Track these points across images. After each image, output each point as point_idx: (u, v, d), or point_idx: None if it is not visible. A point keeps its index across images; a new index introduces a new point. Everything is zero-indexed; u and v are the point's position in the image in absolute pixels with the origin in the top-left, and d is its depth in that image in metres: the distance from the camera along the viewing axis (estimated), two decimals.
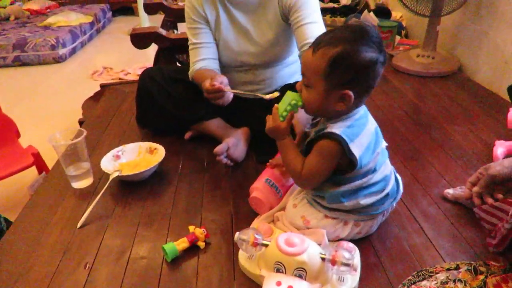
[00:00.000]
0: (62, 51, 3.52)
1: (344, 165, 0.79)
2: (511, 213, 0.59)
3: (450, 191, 1.00)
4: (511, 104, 1.30)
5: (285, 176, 0.99)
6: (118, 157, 1.17)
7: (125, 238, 0.92)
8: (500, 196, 0.90)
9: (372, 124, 0.83)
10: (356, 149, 0.76)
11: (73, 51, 3.72)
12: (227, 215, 0.98)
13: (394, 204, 0.90)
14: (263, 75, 1.29)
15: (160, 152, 1.17)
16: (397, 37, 2.14)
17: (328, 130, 0.76)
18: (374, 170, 0.82)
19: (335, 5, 2.81)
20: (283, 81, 1.32)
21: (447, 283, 0.61)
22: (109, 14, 4.87)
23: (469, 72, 1.80)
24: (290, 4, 1.14)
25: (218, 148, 1.13)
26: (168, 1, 2.59)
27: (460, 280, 0.60)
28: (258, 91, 1.26)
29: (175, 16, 2.47)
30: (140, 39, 1.73)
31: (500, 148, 1.12)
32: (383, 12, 2.40)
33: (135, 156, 1.19)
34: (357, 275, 0.76)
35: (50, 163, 1.40)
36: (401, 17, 2.34)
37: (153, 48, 4.08)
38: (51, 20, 3.97)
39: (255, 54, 1.23)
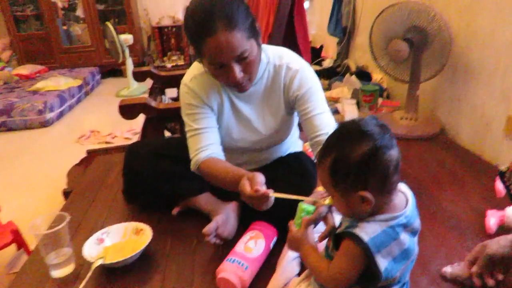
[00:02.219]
0: (49, 115, 3.53)
1: (367, 273, 0.71)
2: None
3: (448, 269, 0.97)
4: (496, 169, 1.32)
5: (248, 250, 0.99)
6: (102, 240, 1.12)
7: None
8: (500, 276, 0.87)
9: (410, 231, 0.74)
10: (383, 260, 0.69)
11: (60, 115, 3.74)
12: None
13: None
14: (259, 157, 1.30)
15: (146, 233, 1.12)
16: (380, 99, 2.21)
17: (357, 231, 0.70)
18: (399, 281, 0.75)
19: (318, 67, 2.93)
20: (277, 157, 1.33)
21: None
22: (98, 76, 4.98)
23: (451, 134, 1.85)
24: (298, 96, 1.13)
25: (207, 229, 1.09)
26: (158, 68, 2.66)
27: None
28: (250, 169, 1.25)
29: (163, 83, 2.53)
30: (128, 110, 1.74)
31: (492, 218, 1.11)
32: (364, 75, 2.51)
33: (120, 238, 1.14)
34: None
35: (29, 238, 1.33)
36: (381, 79, 2.44)
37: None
38: (39, 85, 4.02)
39: (255, 141, 1.22)
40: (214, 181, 1.13)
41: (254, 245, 1.02)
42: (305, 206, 0.83)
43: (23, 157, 2.95)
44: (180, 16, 5.46)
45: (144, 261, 1.08)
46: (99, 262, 1.00)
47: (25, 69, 4.62)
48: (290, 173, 1.23)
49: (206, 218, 1.21)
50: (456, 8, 1.72)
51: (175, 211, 1.30)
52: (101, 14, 4.99)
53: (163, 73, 2.52)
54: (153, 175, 1.26)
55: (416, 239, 0.76)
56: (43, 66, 4.83)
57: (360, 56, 2.87)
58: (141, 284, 1.01)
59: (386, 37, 1.74)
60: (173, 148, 1.33)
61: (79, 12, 5.08)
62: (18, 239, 1.59)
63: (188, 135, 1.17)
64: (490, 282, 0.87)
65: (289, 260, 0.98)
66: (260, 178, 0.91)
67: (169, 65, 5.30)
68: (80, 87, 4.30)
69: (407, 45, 1.66)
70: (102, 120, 3.73)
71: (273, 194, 0.89)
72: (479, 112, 1.66)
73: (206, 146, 1.13)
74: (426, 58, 1.73)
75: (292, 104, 1.18)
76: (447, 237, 1.13)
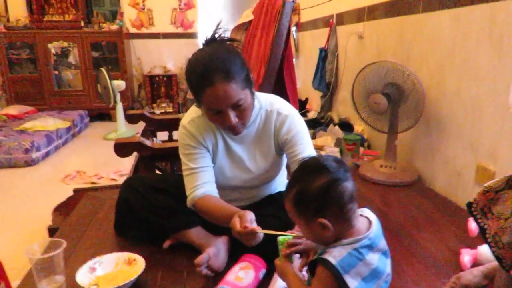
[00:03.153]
0: (35, 155, 3.53)
1: None
2: None
3: None
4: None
5: (238, 279, 1.04)
6: (94, 269, 1.13)
7: None
8: None
9: (377, 252, 0.81)
10: (352, 280, 0.76)
11: (46, 155, 3.73)
12: None
13: None
14: (249, 194, 1.37)
15: (139, 263, 1.15)
16: (361, 148, 2.35)
17: (326, 256, 0.78)
18: None
19: (304, 118, 3.10)
20: (266, 194, 1.40)
21: None
22: (87, 119, 5.05)
23: (427, 182, 1.98)
24: (287, 139, 1.24)
25: (199, 259, 1.13)
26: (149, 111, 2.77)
27: None
28: (242, 206, 1.32)
29: (155, 126, 2.63)
30: (123, 148, 1.81)
31: (466, 256, 1.19)
32: (346, 126, 2.68)
33: (112, 268, 1.16)
34: None
35: (11, 273, 1.31)
36: (362, 130, 2.61)
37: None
38: (27, 124, 4.05)
39: (247, 180, 1.30)
40: (208, 217, 1.21)
41: (244, 275, 1.06)
42: (281, 238, 0.93)
43: (6, 194, 2.91)
44: (171, 66, 5.71)
45: None
46: (96, 275, 1.02)
47: (14, 109, 4.66)
48: (278, 210, 1.30)
49: (196, 251, 1.25)
50: (427, 69, 1.93)
51: (166, 244, 1.33)
52: (94, 61, 5.19)
53: (155, 117, 2.62)
54: (147, 208, 1.30)
55: (388, 260, 0.83)
56: (32, 107, 4.88)
57: (342, 109, 3.07)
58: None
59: (367, 91, 1.91)
60: (168, 183, 1.39)
61: (71, 59, 5.27)
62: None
63: (185, 173, 1.26)
64: None
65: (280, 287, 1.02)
66: (250, 216, 1.01)
67: (158, 112, 5.44)
68: (68, 129, 4.34)
69: (385, 98, 1.83)
70: (88, 161, 3.75)
71: (260, 231, 0.98)
72: (451, 162, 1.80)
73: (202, 184, 1.22)
74: (403, 111, 1.90)
75: (281, 147, 1.28)
76: (426, 274, 1.19)
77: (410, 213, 1.63)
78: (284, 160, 1.38)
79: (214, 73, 1.06)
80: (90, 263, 1.14)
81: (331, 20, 3.10)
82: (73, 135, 4.52)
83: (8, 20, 5.13)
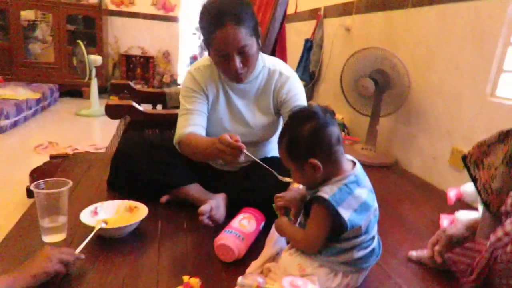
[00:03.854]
0: (3, 123, 3.36)
1: (336, 226, 0.86)
2: (489, 241, 0.72)
3: (413, 253, 1.13)
4: (448, 187, 1.56)
5: (242, 226, 1.09)
6: (96, 213, 1.14)
7: None
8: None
9: (364, 188, 0.90)
10: (345, 211, 0.84)
11: (15, 124, 3.57)
12: (216, 270, 0.98)
13: (375, 262, 0.98)
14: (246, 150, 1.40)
15: (141, 210, 1.17)
16: (342, 133, 2.46)
17: (318, 193, 0.86)
18: (366, 232, 0.90)
19: None
20: (263, 155, 1.44)
21: None
22: (57, 94, 4.86)
23: (404, 165, 2.11)
24: (285, 99, 1.30)
25: (203, 208, 1.16)
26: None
27: None
28: (237, 166, 1.38)
29: (139, 98, 2.60)
30: (115, 110, 1.79)
31: (445, 220, 1.31)
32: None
33: (113, 214, 1.17)
34: None
35: None
36: (342, 118, 2.73)
37: (99, 128, 4.09)
38: None
39: (245, 134, 1.34)
40: (191, 151, 1.25)
41: (247, 223, 1.11)
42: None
43: None
44: (148, 48, 5.61)
45: (137, 236, 1.12)
46: (102, 225, 1.03)
47: None
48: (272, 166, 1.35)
49: (194, 207, 1.28)
50: (412, 62, 2.06)
51: (164, 199, 1.34)
52: (69, 34, 4.99)
53: (140, 88, 2.59)
54: (146, 163, 1.31)
55: (374, 196, 0.93)
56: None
57: (323, 98, 3.18)
58: (138, 251, 1.04)
59: (355, 75, 2.01)
60: (166, 141, 1.40)
61: (38, 33, 5.04)
62: None
63: (180, 114, 1.32)
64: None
65: (279, 236, 1.08)
66: (238, 136, 1.06)
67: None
68: (38, 101, 4.17)
69: (373, 83, 1.94)
70: (60, 134, 3.61)
71: (247, 153, 1.04)
72: (428, 148, 1.94)
73: (192, 124, 1.28)
74: (387, 98, 2.02)
75: (279, 106, 1.34)
76: (408, 236, 1.30)
77: (390, 190, 1.74)
78: (281, 123, 1.43)
79: (226, 15, 1.12)
80: (91, 208, 1.15)
81: (319, 13, 3.21)
82: (43, 107, 4.34)
83: None
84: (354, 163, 0.94)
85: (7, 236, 1.06)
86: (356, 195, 0.87)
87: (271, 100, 1.34)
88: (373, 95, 2.01)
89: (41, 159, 2.58)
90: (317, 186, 0.90)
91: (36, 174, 2.13)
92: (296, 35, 3.69)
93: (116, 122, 2.13)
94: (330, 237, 0.89)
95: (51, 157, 2.43)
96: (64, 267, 0.87)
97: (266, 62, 1.33)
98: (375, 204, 0.93)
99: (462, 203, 1.49)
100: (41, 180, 1.04)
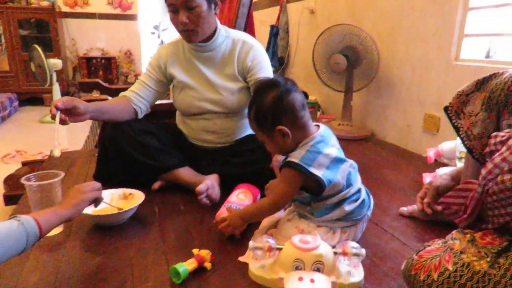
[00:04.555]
0: None
1: (314, 186, 0.91)
2: (480, 176, 0.77)
3: (404, 209, 1.20)
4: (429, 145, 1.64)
5: (240, 200, 1.13)
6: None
7: (122, 272, 0.86)
8: (439, 208, 1.11)
9: (332, 147, 0.95)
10: (317, 170, 0.89)
11: None
12: (221, 243, 1.00)
13: (369, 213, 1.02)
14: (221, 124, 1.42)
15: (137, 196, 1.15)
16: (318, 113, 2.52)
17: (288, 159, 0.92)
18: (349, 185, 0.95)
19: None
20: (240, 132, 1.46)
21: (447, 242, 0.74)
22: (16, 103, 4.62)
23: (380, 136, 2.20)
24: (250, 66, 1.35)
25: (200, 187, 1.17)
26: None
27: (455, 238, 0.74)
28: (217, 140, 1.43)
29: (109, 95, 2.53)
30: (85, 85, 1.77)
31: (427, 178, 1.38)
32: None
33: (108, 203, 1.14)
34: (362, 270, 0.85)
35: None
36: (315, 99, 2.79)
37: (67, 133, 3.96)
38: None
39: (215, 101, 1.37)
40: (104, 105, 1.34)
41: (244, 196, 1.13)
42: None
43: None
44: (109, 49, 5.45)
45: (136, 221, 1.11)
46: (105, 205, 1.03)
47: None
48: (253, 149, 1.35)
49: (186, 191, 1.29)
50: (378, 37, 2.14)
51: (156, 185, 1.34)
52: (22, 40, 4.76)
53: (111, 86, 2.53)
54: (136, 148, 1.30)
55: (342, 153, 0.98)
56: None
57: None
58: (141, 236, 1.03)
59: (327, 53, 2.07)
60: (152, 127, 1.39)
61: None
62: None
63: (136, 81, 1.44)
64: (438, 208, 1.10)
65: None
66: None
67: (95, 95, 5.15)
68: None
69: (345, 59, 2.00)
70: (25, 143, 3.45)
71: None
72: (401, 117, 2.03)
73: (134, 92, 1.39)
74: (358, 72, 2.09)
75: (245, 74, 1.38)
76: (396, 195, 1.37)
77: (371, 159, 1.82)
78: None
79: None
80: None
81: None
82: (3, 118, 4.12)
83: None
84: (319, 126, 0.99)
85: None
86: (325, 153, 0.92)
87: (235, 67, 1.38)
88: (345, 71, 2.07)
89: (11, 168, 2.47)
90: (290, 152, 0.94)
91: (10, 181, 2.04)
92: (261, 23, 3.72)
93: (86, 125, 2.07)
94: (315, 198, 0.94)
95: (24, 163, 2.33)
96: (98, 192, 0.94)
97: (230, 33, 1.41)
98: (348, 159, 0.98)
99: (440, 164, 1.58)
100: (31, 174, 1.01)
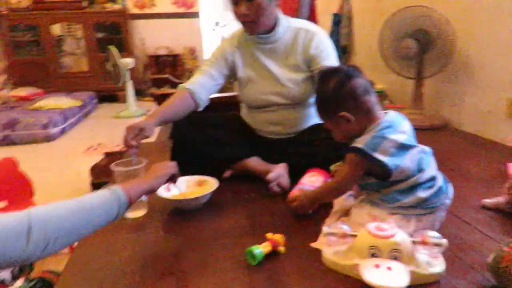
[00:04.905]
0: (53, 130, 3.56)
1: (379, 171, 0.89)
2: None
3: (488, 200, 1.11)
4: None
5: (311, 182, 1.14)
6: (169, 189, 1.19)
7: (201, 252, 0.92)
8: None
9: (401, 133, 0.91)
10: (381, 156, 0.87)
11: (62, 131, 3.76)
12: (293, 228, 1.02)
13: (448, 202, 0.96)
14: (287, 116, 1.42)
15: (210, 183, 1.21)
16: (385, 102, 2.43)
17: (352, 144, 0.92)
18: (421, 170, 0.91)
19: None
20: (305, 122, 1.45)
21: None
22: (95, 100, 5.05)
23: (456, 124, 2.06)
24: (314, 54, 1.34)
25: (271, 176, 1.20)
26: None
27: None
28: (283, 130, 1.43)
29: None
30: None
31: None
32: None
33: (184, 189, 1.22)
34: (443, 260, 0.81)
35: None
36: (382, 87, 2.68)
37: None
38: (41, 103, 4.06)
39: (279, 93, 1.38)
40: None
41: (315, 179, 1.14)
42: None
43: (36, 165, 2.93)
44: (174, 47, 5.71)
45: (211, 206, 1.17)
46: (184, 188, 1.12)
47: (23, 91, 4.66)
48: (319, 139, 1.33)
49: (255, 179, 1.32)
50: (453, 16, 1.99)
51: (227, 173, 1.39)
52: (98, 42, 5.16)
53: (180, 81, 2.66)
54: (210, 143, 1.35)
55: (413, 139, 0.94)
56: (40, 90, 4.87)
57: None
58: (216, 220, 1.09)
59: (396, 38, 1.98)
60: (222, 120, 1.45)
61: (66, 47, 5.23)
62: None
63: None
64: None
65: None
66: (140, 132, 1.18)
67: (166, 89, 5.44)
68: (80, 108, 4.36)
69: (415, 43, 1.90)
70: (105, 137, 3.77)
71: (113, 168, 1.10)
72: (480, 103, 1.88)
73: (195, 82, 1.39)
74: (431, 57, 1.97)
75: (309, 64, 1.37)
76: (477, 186, 1.28)
77: (447, 149, 1.70)
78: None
79: None
80: (164, 185, 1.20)
81: None
82: (85, 114, 4.54)
83: (7, 2, 5.06)
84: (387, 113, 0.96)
85: None
86: (391, 139, 0.89)
87: (299, 57, 1.37)
88: (416, 56, 1.96)
89: (94, 159, 2.72)
90: (356, 138, 0.93)
91: (96, 170, 2.25)
92: (322, 11, 3.65)
93: None
94: (383, 184, 0.91)
95: (106, 154, 2.55)
96: (176, 169, 1.03)
97: (291, 22, 1.40)
98: (419, 145, 0.94)
99: None
100: (118, 161, 1.11)
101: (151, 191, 0.93)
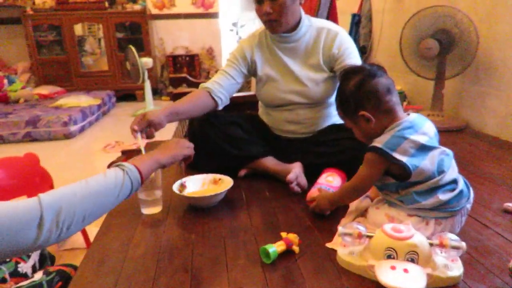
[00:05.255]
0: (73, 128, 3.63)
1: (398, 171, 0.88)
2: None
3: (510, 204, 1.08)
4: None
5: (329, 182, 1.13)
6: (184, 186, 1.20)
7: (216, 248, 0.92)
8: None
9: (423, 134, 0.90)
10: (400, 156, 0.86)
11: (82, 129, 3.84)
12: (307, 228, 1.01)
13: (469, 206, 0.94)
14: (305, 115, 1.42)
15: (226, 181, 1.22)
16: (404, 103, 2.39)
17: (372, 144, 0.90)
18: (441, 172, 0.89)
19: None
20: (323, 122, 1.45)
21: None
22: (114, 99, 5.14)
23: (477, 127, 2.01)
24: (337, 54, 1.33)
25: (291, 176, 1.20)
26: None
27: None
28: (301, 130, 1.43)
29: (196, 88, 2.69)
30: (175, 80, 1.88)
31: None
32: None
33: (200, 187, 1.23)
34: (461, 264, 0.79)
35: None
36: (401, 88, 2.64)
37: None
38: (61, 101, 4.16)
39: (299, 92, 1.38)
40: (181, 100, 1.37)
41: (332, 179, 1.13)
42: None
43: (56, 162, 3.01)
44: (192, 47, 5.76)
45: (225, 204, 1.17)
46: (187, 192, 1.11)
47: (45, 90, 4.77)
48: (337, 137, 1.33)
49: (270, 178, 1.32)
50: (476, 15, 1.95)
51: (242, 172, 1.39)
52: (118, 42, 5.25)
53: (197, 80, 2.68)
54: (224, 139, 1.36)
55: (435, 141, 0.93)
56: (61, 88, 4.99)
57: None
58: (231, 218, 1.09)
59: (417, 38, 1.94)
60: (239, 118, 1.46)
61: (87, 47, 5.33)
62: None
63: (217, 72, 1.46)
64: None
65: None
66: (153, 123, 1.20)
67: (184, 89, 5.50)
68: (99, 106, 4.44)
69: (437, 43, 1.86)
70: (122, 135, 3.84)
71: (137, 140, 1.15)
72: (502, 105, 1.83)
73: (215, 82, 1.40)
74: (452, 57, 1.93)
75: (332, 63, 1.36)
76: (497, 190, 1.24)
77: (467, 151, 1.67)
78: (337, 83, 1.42)
79: None
80: (180, 181, 1.21)
81: None
82: (103, 112, 4.62)
83: (34, 3, 5.21)
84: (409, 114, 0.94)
85: (112, 211, 1.15)
86: (412, 139, 0.87)
87: (320, 57, 1.36)
88: (437, 56, 1.92)
89: (111, 156, 2.77)
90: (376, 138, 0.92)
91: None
92: (341, 12, 3.61)
93: None
94: (401, 184, 0.90)
95: (123, 152, 2.59)
96: (192, 150, 1.04)
97: (313, 22, 1.39)
98: (440, 146, 0.92)
99: None
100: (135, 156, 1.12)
101: (163, 167, 0.95)
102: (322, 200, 1.03)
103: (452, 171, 0.92)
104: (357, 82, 0.92)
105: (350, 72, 0.96)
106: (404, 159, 0.86)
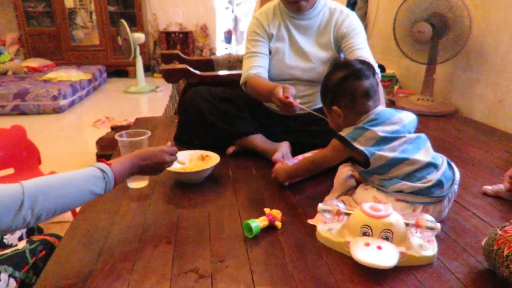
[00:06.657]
0: (62, 102, 3.59)
1: (362, 158, 0.91)
2: None
3: (489, 187, 1.11)
4: None
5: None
6: None
7: (200, 223, 0.94)
8: None
9: (390, 125, 0.93)
10: (360, 146, 0.91)
11: (72, 103, 3.80)
12: (291, 205, 1.03)
13: (456, 187, 0.95)
14: (305, 91, 1.43)
15: (213, 158, 1.22)
16: (395, 87, 2.39)
17: (339, 133, 0.96)
18: (405, 159, 0.89)
19: None
20: (319, 101, 1.44)
21: None
22: (105, 74, 5.07)
23: (466, 113, 2.03)
24: (346, 32, 1.36)
25: (277, 156, 1.21)
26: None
27: None
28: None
29: (189, 66, 2.65)
30: (171, 74, 1.86)
31: None
32: (379, 68, 2.70)
33: (187, 163, 1.23)
34: (436, 244, 0.82)
35: None
36: (393, 72, 2.64)
37: (148, 103, 4.25)
38: (51, 75, 4.09)
39: (305, 69, 1.40)
40: (255, 93, 1.35)
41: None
42: None
43: (41, 138, 2.99)
44: (186, 23, 5.66)
45: (212, 181, 1.18)
46: (177, 165, 1.11)
47: (34, 62, 4.68)
48: None
49: (257, 156, 1.33)
50: (471, 2, 1.94)
51: (230, 149, 1.39)
52: (110, 16, 5.13)
53: (189, 58, 2.64)
54: (214, 113, 1.37)
55: (406, 128, 0.95)
56: (50, 62, 4.89)
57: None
58: (216, 194, 1.10)
59: (410, 21, 1.93)
60: (230, 94, 1.45)
61: (79, 21, 5.21)
62: None
63: (245, 57, 1.43)
64: None
65: (347, 174, 1.09)
66: (291, 90, 1.15)
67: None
68: (89, 81, 4.38)
69: (430, 27, 1.86)
70: (113, 111, 3.81)
71: (297, 105, 1.13)
72: (492, 91, 1.85)
73: (256, 66, 1.39)
74: (445, 42, 1.93)
75: (340, 41, 1.38)
76: (480, 174, 1.27)
77: (454, 136, 1.69)
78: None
79: None
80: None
81: None
82: (94, 87, 4.56)
83: None
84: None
85: None
86: (373, 130, 0.91)
87: (331, 36, 1.39)
88: (430, 40, 1.92)
89: (101, 132, 2.75)
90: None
91: (102, 143, 2.28)
92: None
93: (165, 95, 2.21)
94: (370, 170, 0.92)
95: (112, 127, 2.58)
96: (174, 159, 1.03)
97: (327, 2, 1.42)
98: (407, 135, 0.93)
99: None
100: (123, 131, 1.12)
101: (139, 174, 0.94)
102: (280, 171, 1.10)
103: (425, 156, 0.92)
104: (340, 78, 0.95)
105: (340, 65, 1.00)
106: (362, 148, 0.90)
